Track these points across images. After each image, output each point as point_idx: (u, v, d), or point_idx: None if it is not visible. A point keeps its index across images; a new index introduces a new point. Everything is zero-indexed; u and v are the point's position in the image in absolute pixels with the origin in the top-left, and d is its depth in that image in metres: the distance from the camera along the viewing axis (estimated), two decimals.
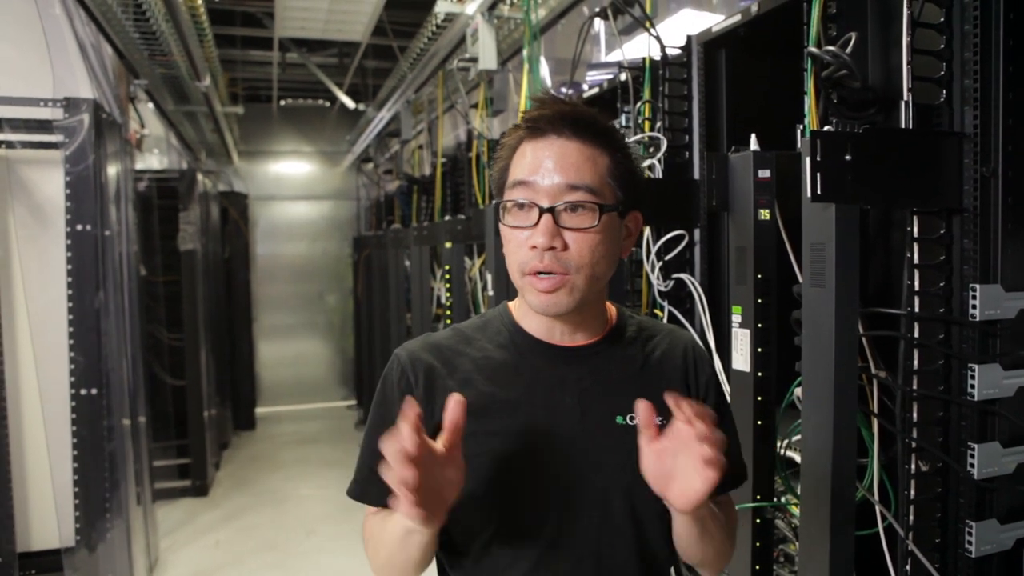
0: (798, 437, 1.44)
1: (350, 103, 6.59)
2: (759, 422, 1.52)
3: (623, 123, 2.19)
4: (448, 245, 3.48)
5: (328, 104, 7.90)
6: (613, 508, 0.99)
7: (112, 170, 3.11)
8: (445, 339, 1.07)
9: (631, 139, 2.02)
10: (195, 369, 4.95)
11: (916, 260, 1.31)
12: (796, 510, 1.52)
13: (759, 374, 1.52)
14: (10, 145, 2.96)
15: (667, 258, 1.97)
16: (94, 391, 2.86)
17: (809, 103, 1.36)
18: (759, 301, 1.52)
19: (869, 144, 1.24)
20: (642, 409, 0.89)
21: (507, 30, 3.30)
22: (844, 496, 1.28)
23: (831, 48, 1.31)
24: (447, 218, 3.73)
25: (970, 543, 1.28)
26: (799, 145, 1.42)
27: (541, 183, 0.95)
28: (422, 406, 0.99)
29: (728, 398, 1.67)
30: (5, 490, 2.96)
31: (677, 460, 0.87)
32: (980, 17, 1.23)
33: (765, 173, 1.51)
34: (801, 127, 1.41)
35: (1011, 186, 1.26)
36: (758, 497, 1.53)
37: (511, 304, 1.10)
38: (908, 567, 1.32)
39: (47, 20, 2.87)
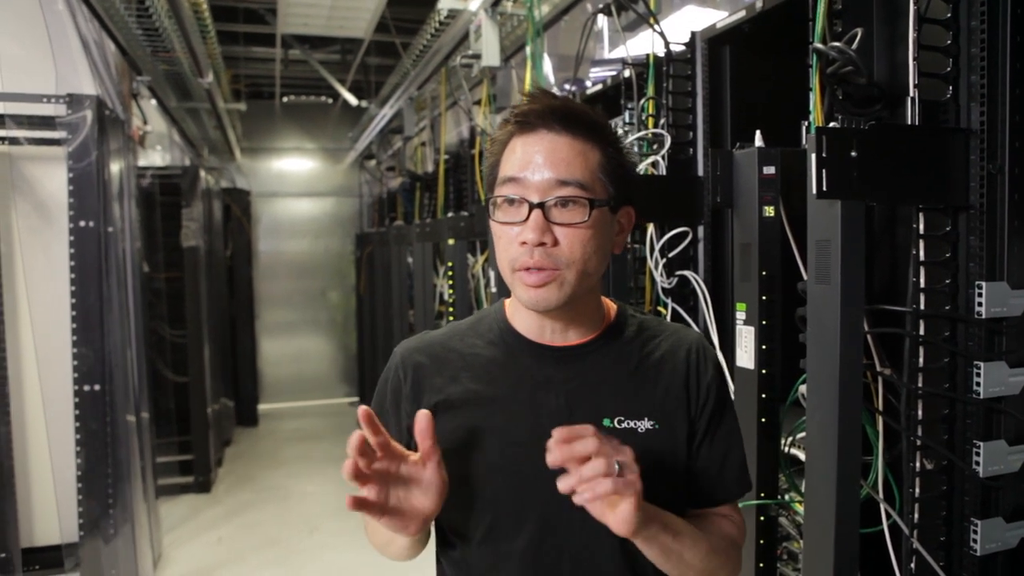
0: (802, 435, 1.43)
1: (353, 100, 6.59)
2: (763, 419, 1.52)
3: (626, 120, 2.18)
4: (451, 242, 3.48)
5: (331, 101, 7.90)
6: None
7: (115, 166, 3.11)
8: (440, 336, 1.08)
9: (634, 136, 2.02)
10: (198, 366, 4.95)
11: (922, 257, 1.31)
12: (800, 508, 1.52)
13: (763, 371, 1.52)
14: (13, 141, 2.97)
15: (671, 255, 1.97)
16: (97, 387, 2.86)
17: (814, 99, 1.35)
18: (764, 298, 1.51)
19: (875, 140, 1.23)
20: (560, 429, 0.84)
21: (510, 26, 3.30)
22: (849, 494, 1.28)
23: (837, 44, 1.31)
24: (450, 215, 3.73)
25: (975, 541, 1.27)
26: (804, 142, 1.41)
27: (531, 179, 0.94)
28: (410, 404, 1.02)
29: (732, 396, 1.67)
30: (9, 485, 2.97)
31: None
32: (987, 13, 1.23)
33: (770, 170, 1.51)
34: (806, 123, 1.41)
35: (1018, 183, 1.26)
36: (762, 495, 1.52)
37: (507, 302, 1.09)
38: (913, 565, 1.32)
39: (50, 16, 2.86)
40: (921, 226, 1.31)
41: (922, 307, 1.31)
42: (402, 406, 1.03)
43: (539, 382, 1.01)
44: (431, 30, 3.75)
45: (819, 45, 1.33)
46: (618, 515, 0.82)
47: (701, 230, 1.97)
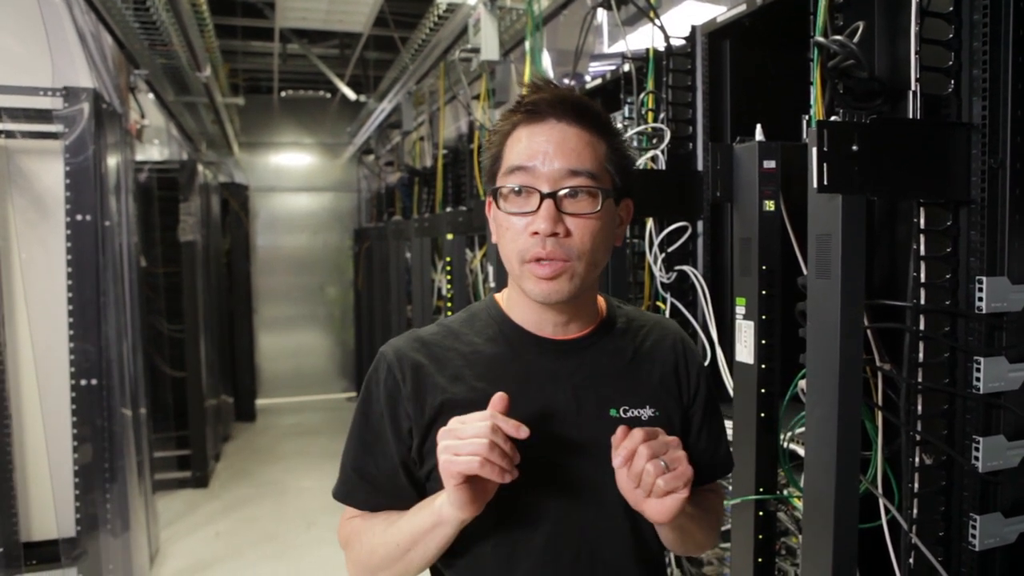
0: (801, 430, 1.43)
1: (351, 94, 6.57)
2: (762, 414, 1.51)
3: (626, 114, 2.17)
4: (449, 237, 3.47)
5: (329, 95, 7.88)
6: (609, 500, 0.97)
7: (112, 160, 3.10)
8: (432, 335, 1.05)
9: (634, 130, 2.01)
10: (195, 360, 4.95)
11: (922, 252, 1.30)
12: (799, 503, 1.51)
13: (763, 366, 1.51)
14: (10, 135, 2.95)
15: (670, 250, 1.96)
16: (94, 382, 2.86)
17: (815, 93, 1.34)
18: (763, 293, 1.51)
19: (876, 134, 1.23)
20: (618, 433, 0.90)
21: (509, 21, 3.28)
22: (847, 489, 1.28)
23: (838, 38, 1.30)
24: (448, 210, 3.72)
25: (974, 536, 1.27)
26: (805, 136, 1.41)
27: (541, 168, 0.93)
28: (410, 404, 0.98)
29: (731, 391, 1.67)
30: (7, 480, 2.96)
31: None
32: (989, 6, 1.22)
33: (770, 164, 1.50)
34: (807, 118, 1.40)
35: (1019, 178, 1.25)
36: (761, 490, 1.52)
37: (498, 296, 1.08)
38: (911, 560, 1.32)
39: (46, 8, 2.85)
40: (922, 221, 1.31)
41: (922, 302, 1.31)
42: (400, 407, 0.99)
43: (545, 377, 1.01)
44: (430, 24, 3.74)
45: (820, 39, 1.32)
46: (666, 504, 0.88)
47: (700, 225, 1.97)
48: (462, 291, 3.48)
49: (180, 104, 5.48)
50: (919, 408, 1.31)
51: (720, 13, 1.84)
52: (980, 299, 1.24)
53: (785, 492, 1.57)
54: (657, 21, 2.00)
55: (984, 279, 1.24)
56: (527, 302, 1.00)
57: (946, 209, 1.30)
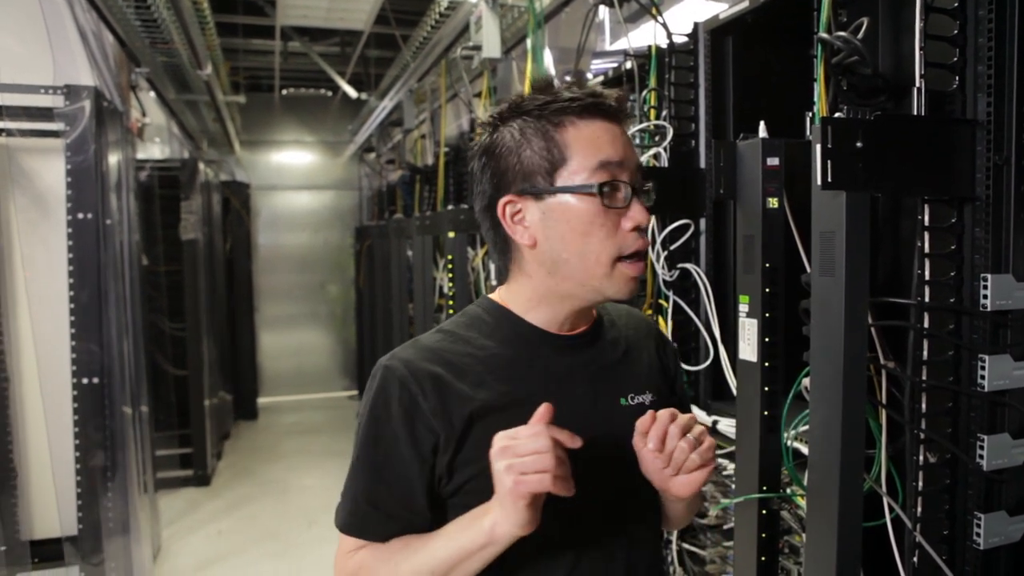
0: (805, 428, 1.42)
1: (352, 92, 6.56)
2: (766, 412, 1.51)
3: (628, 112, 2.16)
4: (451, 235, 3.46)
5: (330, 93, 7.87)
6: (635, 487, 1.01)
7: (113, 158, 3.10)
8: (438, 342, 1.01)
9: (636, 128, 2.00)
10: (197, 359, 4.95)
11: (927, 249, 1.30)
12: (802, 501, 1.51)
13: (766, 364, 1.51)
14: (10, 133, 2.95)
15: (672, 248, 1.96)
16: (96, 380, 2.86)
17: (819, 90, 1.33)
18: (767, 290, 1.50)
19: (880, 131, 1.22)
20: (645, 419, 0.94)
21: (511, 18, 3.27)
22: (851, 487, 1.27)
23: (842, 34, 1.29)
24: (450, 208, 3.71)
25: (978, 535, 1.27)
26: (808, 132, 1.40)
27: (627, 163, 0.96)
28: (436, 419, 0.94)
29: (734, 389, 1.66)
30: (9, 479, 2.97)
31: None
32: (995, 2, 1.21)
33: (774, 161, 1.49)
34: (811, 114, 1.39)
35: None
36: (764, 488, 1.52)
37: (497, 297, 1.06)
38: (915, 559, 1.31)
39: (47, 6, 2.84)
40: (926, 218, 1.30)
41: (927, 299, 1.30)
42: (420, 424, 0.95)
43: (563, 373, 1.01)
44: (431, 22, 3.73)
45: (824, 35, 1.31)
46: (694, 477, 0.94)
47: (703, 222, 1.96)
48: (464, 289, 3.48)
49: (181, 102, 5.48)
50: (923, 406, 1.30)
51: (723, 10, 1.83)
52: (985, 296, 1.24)
53: (788, 490, 1.56)
54: (659, 18, 1.99)
55: (989, 276, 1.23)
56: (559, 303, 1.00)
57: (950, 206, 1.29)
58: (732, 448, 1.62)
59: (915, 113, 1.28)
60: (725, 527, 1.86)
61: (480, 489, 0.93)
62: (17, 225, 2.98)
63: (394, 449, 0.96)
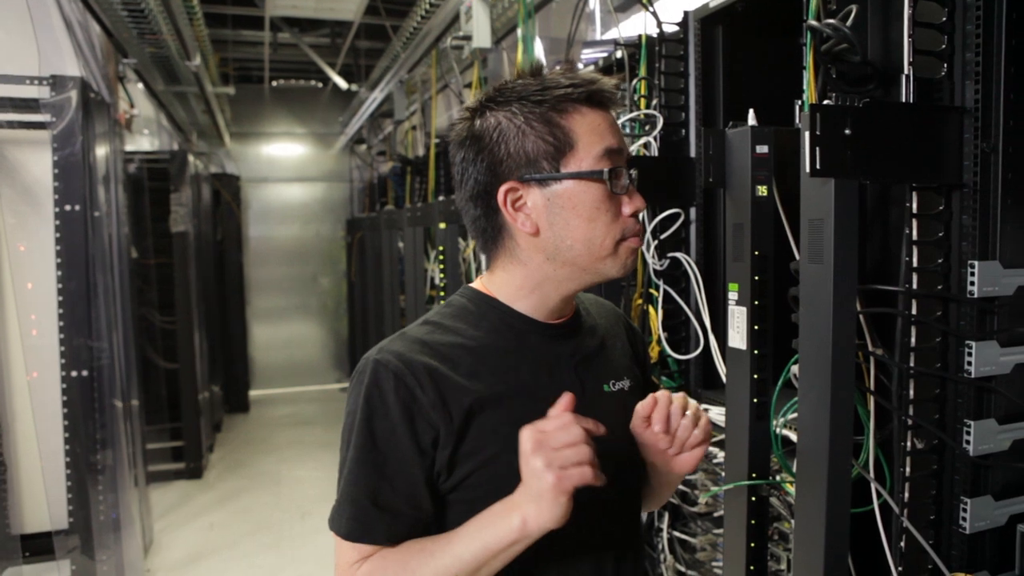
0: (794, 415, 1.43)
1: (343, 83, 6.53)
2: (755, 400, 1.51)
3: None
4: (442, 226, 3.45)
5: (320, 85, 7.83)
6: (624, 471, 1.03)
7: (101, 150, 3.07)
8: (427, 333, 0.98)
9: (626, 117, 2.00)
10: (188, 352, 4.93)
11: (915, 236, 1.30)
12: (791, 488, 1.52)
13: (755, 352, 1.51)
14: None
15: (663, 237, 1.96)
16: (85, 373, 2.84)
17: (808, 78, 1.33)
18: (756, 278, 1.50)
19: (869, 118, 1.22)
20: (647, 402, 0.99)
21: (501, 8, 3.26)
22: (840, 474, 1.28)
23: (831, 21, 1.29)
24: (441, 199, 3.70)
25: (964, 520, 1.28)
26: (797, 120, 1.40)
27: (624, 151, 0.98)
28: (435, 412, 0.92)
29: (723, 377, 1.67)
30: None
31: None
32: None
33: (763, 149, 1.49)
34: (800, 102, 1.39)
35: (1011, 162, 1.25)
36: (754, 475, 1.52)
37: (481, 287, 1.04)
38: (903, 544, 1.32)
39: None
40: (914, 205, 1.30)
41: (914, 287, 1.30)
42: (420, 418, 0.92)
43: (552, 361, 1.02)
44: (421, 12, 3.71)
45: (813, 22, 1.31)
46: (694, 454, 1.00)
47: (693, 212, 1.96)
48: (455, 280, 3.47)
49: (170, 94, 5.43)
50: (911, 393, 1.31)
51: None
52: (972, 283, 1.24)
53: (778, 477, 1.57)
54: (649, 7, 1.98)
55: (976, 263, 1.24)
56: (553, 289, 1.00)
57: (938, 193, 1.30)
58: (722, 436, 1.63)
59: (904, 100, 1.28)
60: (715, 514, 1.87)
61: (480, 483, 0.93)
62: (4, 218, 2.96)
63: (394, 445, 0.93)
